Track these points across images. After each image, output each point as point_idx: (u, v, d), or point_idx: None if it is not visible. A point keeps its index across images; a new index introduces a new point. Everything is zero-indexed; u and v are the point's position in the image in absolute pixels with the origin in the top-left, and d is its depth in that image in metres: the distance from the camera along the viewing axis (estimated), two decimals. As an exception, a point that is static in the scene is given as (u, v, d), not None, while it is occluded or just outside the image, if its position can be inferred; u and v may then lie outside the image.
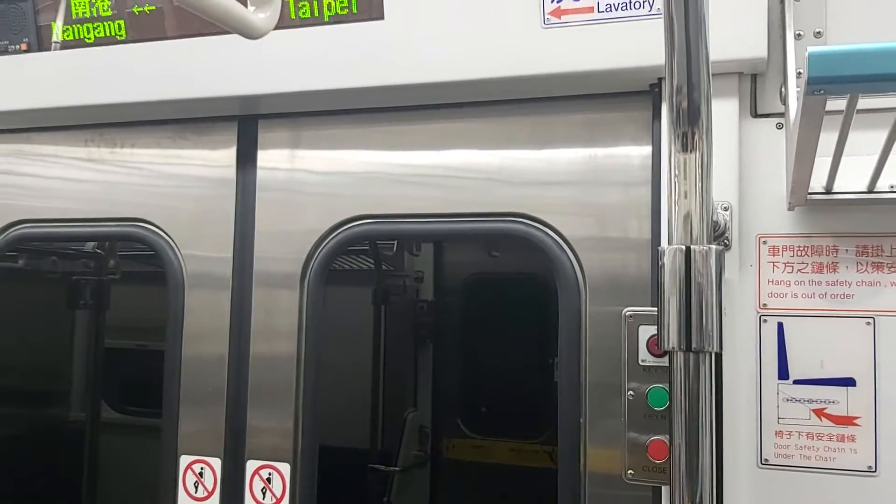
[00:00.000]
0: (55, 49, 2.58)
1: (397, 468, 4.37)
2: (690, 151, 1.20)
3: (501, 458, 4.54)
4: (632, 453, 1.94)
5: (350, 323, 4.46)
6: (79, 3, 2.50)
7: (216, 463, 2.45)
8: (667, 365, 1.82)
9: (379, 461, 4.35)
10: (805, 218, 1.99)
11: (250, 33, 1.59)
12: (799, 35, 2.00)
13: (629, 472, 1.95)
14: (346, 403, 4.42)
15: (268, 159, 2.53)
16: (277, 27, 2.07)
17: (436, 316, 4.75)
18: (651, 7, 2.02)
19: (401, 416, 4.57)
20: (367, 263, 4.49)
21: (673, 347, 1.20)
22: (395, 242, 4.50)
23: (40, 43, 2.58)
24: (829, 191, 1.89)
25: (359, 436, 4.45)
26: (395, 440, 4.47)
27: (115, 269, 4.21)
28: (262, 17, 1.61)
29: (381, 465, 4.33)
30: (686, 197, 1.21)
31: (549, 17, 2.10)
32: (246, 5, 1.61)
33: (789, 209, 1.99)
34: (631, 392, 1.93)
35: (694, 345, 1.19)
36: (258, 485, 2.41)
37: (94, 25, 2.50)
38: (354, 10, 2.25)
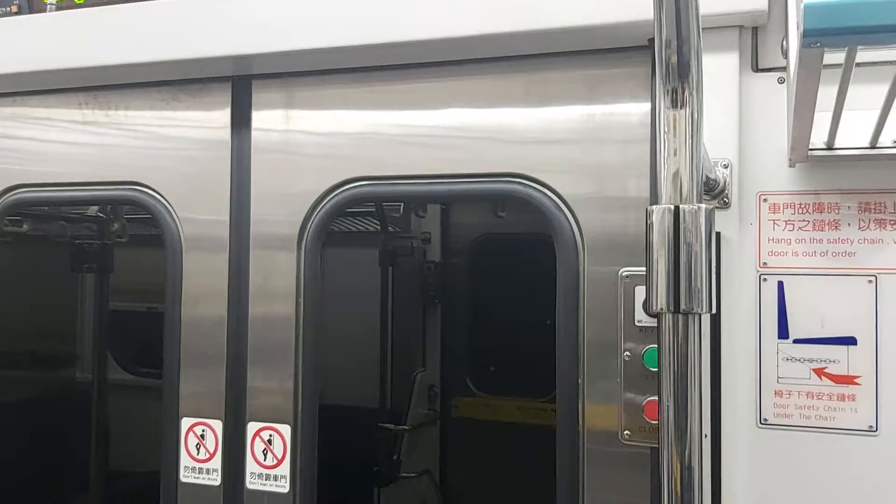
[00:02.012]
0: (50, 10, 2.56)
1: (406, 427, 4.40)
2: (680, 107, 1.16)
3: (509, 415, 4.54)
4: (628, 414, 1.93)
5: (357, 285, 4.47)
6: (68, -38, 2.46)
7: (217, 425, 2.47)
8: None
9: (388, 420, 4.37)
10: (806, 175, 1.95)
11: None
12: None
13: (626, 432, 1.94)
14: (355, 364, 4.45)
15: (262, 120, 2.50)
16: (268, -15, 2.03)
17: (443, 277, 4.73)
18: (649, -42, 1.95)
19: (409, 375, 4.59)
20: (373, 225, 4.48)
21: (661, 309, 1.18)
22: (402, 204, 4.46)
23: (31, 5, 2.54)
24: (830, 146, 1.85)
25: (368, 396, 4.47)
26: (404, 400, 4.50)
27: (122, 232, 4.21)
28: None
29: (391, 425, 4.35)
30: (676, 155, 1.18)
31: (544, -31, 2.05)
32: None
33: (790, 166, 1.95)
34: (627, 353, 1.92)
35: (682, 306, 1.16)
36: (259, 446, 2.42)
37: (85, -15, 2.46)
38: (346, -34, 2.20)
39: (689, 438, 1.20)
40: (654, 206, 1.18)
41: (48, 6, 2.60)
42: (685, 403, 1.19)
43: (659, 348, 1.19)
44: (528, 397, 4.48)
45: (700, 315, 1.18)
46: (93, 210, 4.07)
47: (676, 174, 1.18)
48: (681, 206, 1.16)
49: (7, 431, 3.28)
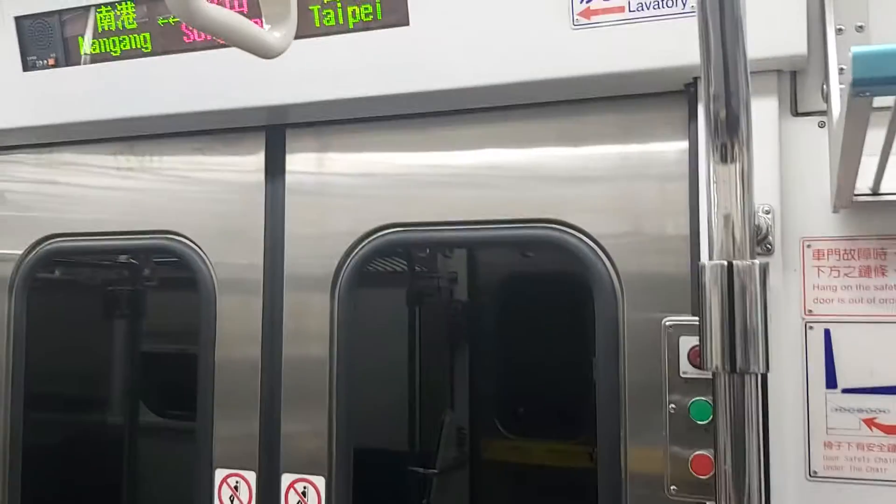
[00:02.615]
0: (85, 62, 2.59)
1: (436, 470, 4.32)
2: (730, 162, 1.14)
3: (540, 458, 4.47)
4: (675, 468, 1.88)
5: (384, 325, 4.44)
6: (105, 16, 2.49)
7: (251, 476, 2.44)
8: (709, 377, 1.76)
9: (417, 463, 4.30)
10: (851, 220, 1.91)
11: (266, 53, 1.56)
12: (840, 30, 1.92)
13: (672, 487, 1.89)
14: (383, 406, 4.41)
15: (296, 164, 2.51)
16: (302, 36, 2.04)
17: (470, 316, 4.70)
18: (684, 5, 1.95)
19: (438, 417, 4.52)
20: (400, 265, 4.47)
21: (717, 368, 1.14)
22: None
23: (67, 57, 2.58)
24: (875, 191, 1.81)
25: (397, 438, 4.42)
26: (433, 442, 4.43)
27: (152, 276, 4.23)
28: (277, 35, 1.57)
29: (420, 468, 4.28)
30: (726, 209, 1.15)
31: (578, 17, 2.05)
32: (262, 24, 1.57)
33: (834, 211, 1.91)
34: (672, 405, 1.87)
35: (739, 366, 1.13)
36: (293, 499, 2.39)
37: (121, 38, 2.49)
38: (379, 17, 2.21)
39: (748, 500, 1.16)
40: (706, 262, 1.16)
41: (84, 58, 2.63)
42: (743, 464, 1.15)
43: (715, 408, 1.15)
44: (558, 440, 4.42)
45: (757, 375, 1.15)
46: (124, 255, 4.09)
47: (728, 229, 1.15)
48: (734, 262, 1.14)
49: (38, 475, 3.28)
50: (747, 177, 1.15)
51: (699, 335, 1.15)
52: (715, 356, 1.15)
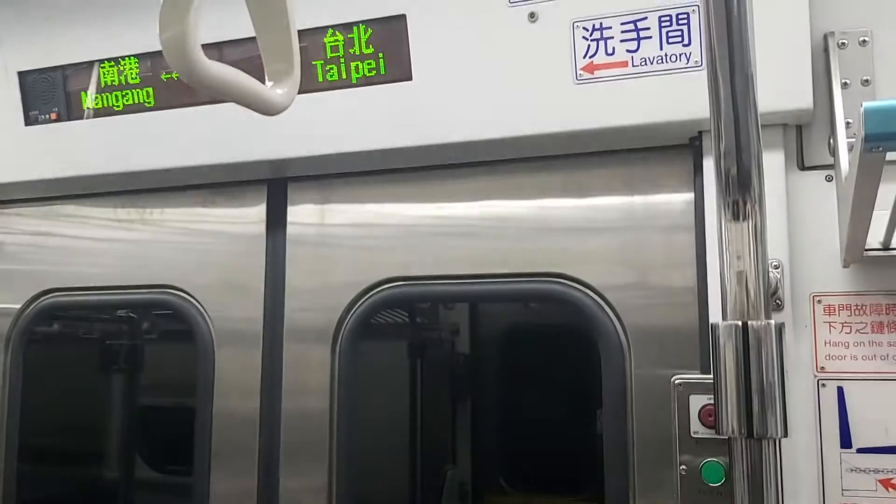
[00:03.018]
0: (88, 117, 2.59)
1: (438, 528, 4.25)
2: (743, 220, 1.11)
3: (543, 514, 4.36)
4: (688, 533, 1.82)
5: (385, 377, 4.40)
6: (107, 71, 2.50)
7: None
8: (722, 438, 1.71)
9: (420, 521, 4.22)
10: (861, 275, 1.88)
11: (269, 110, 1.55)
12: (846, 84, 1.91)
13: (684, 553, 1.83)
14: (383, 460, 4.34)
15: (298, 216, 2.49)
16: (306, 91, 2.03)
17: (473, 369, 4.63)
18: (688, 59, 1.95)
19: (440, 472, 4.44)
20: (401, 317, 4.44)
21: (733, 433, 1.10)
22: (430, 296, 4.43)
23: (69, 112, 2.58)
24: (886, 246, 1.79)
25: (398, 494, 4.33)
26: (434, 498, 4.34)
27: (150, 329, 4.19)
28: (280, 92, 1.56)
29: (423, 526, 4.21)
30: (739, 268, 1.12)
31: (581, 72, 2.04)
32: (263, 82, 1.56)
33: (844, 266, 1.88)
34: (683, 467, 1.82)
35: (756, 431, 1.08)
36: (293, 560, 2.32)
37: (123, 93, 2.49)
38: (382, 72, 2.21)
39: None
40: (720, 322, 1.12)
41: (86, 112, 2.63)
42: (762, 534, 1.10)
43: (732, 475, 1.11)
44: (563, 495, 4.34)
45: (776, 440, 1.10)
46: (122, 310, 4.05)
47: (742, 287, 1.12)
48: (749, 322, 1.10)
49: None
50: (760, 234, 1.13)
51: (714, 398, 1.11)
52: (731, 420, 1.10)
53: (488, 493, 4.58)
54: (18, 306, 2.78)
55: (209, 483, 2.44)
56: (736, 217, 1.11)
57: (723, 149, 1.13)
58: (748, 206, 1.11)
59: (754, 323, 1.10)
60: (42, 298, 2.76)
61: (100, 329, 4.04)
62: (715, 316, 1.86)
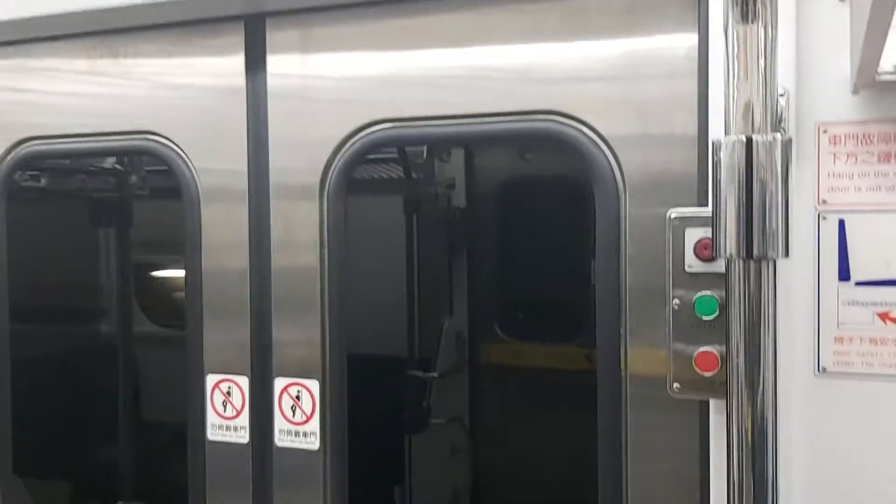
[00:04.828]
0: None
1: (435, 374, 4.33)
2: (752, 21, 1.01)
3: (538, 361, 4.52)
4: (678, 366, 1.80)
5: (382, 233, 4.38)
6: None
7: (243, 381, 2.39)
8: (716, 272, 1.67)
9: (417, 368, 4.32)
10: (871, 102, 1.78)
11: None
12: None
13: (675, 385, 1.82)
14: (383, 313, 4.38)
15: (278, 65, 2.36)
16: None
17: (469, 223, 4.66)
18: None
19: (437, 323, 4.51)
20: (396, 172, 4.38)
21: (731, 255, 1.04)
22: (425, 150, 4.34)
23: (31, -55, 2.39)
24: (901, 70, 1.68)
25: (396, 344, 4.41)
26: (432, 347, 4.44)
27: (142, 185, 4.12)
28: None
29: (420, 372, 4.29)
30: (747, 78, 1.03)
31: None
32: None
33: (854, 93, 1.78)
34: (676, 301, 1.78)
35: (756, 251, 1.02)
36: (287, 402, 2.34)
37: (84, -78, 2.30)
38: None
39: (762, 394, 1.08)
40: (722, 138, 1.04)
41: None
42: (758, 357, 1.07)
43: (727, 298, 1.05)
44: (556, 342, 4.42)
45: (775, 261, 1.05)
46: (109, 162, 3.97)
47: (748, 101, 1.03)
48: (754, 137, 1.02)
49: (36, 386, 3.25)
50: (771, 39, 1.02)
51: (712, 219, 1.04)
52: (729, 242, 1.04)
53: (485, 341, 4.68)
54: (-4, 155, 2.69)
55: (202, 337, 2.44)
56: (745, 17, 1.00)
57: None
58: (758, 4, 1.00)
59: (759, 138, 1.02)
60: (19, 147, 2.66)
61: (83, 183, 3.98)
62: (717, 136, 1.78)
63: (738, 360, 1.06)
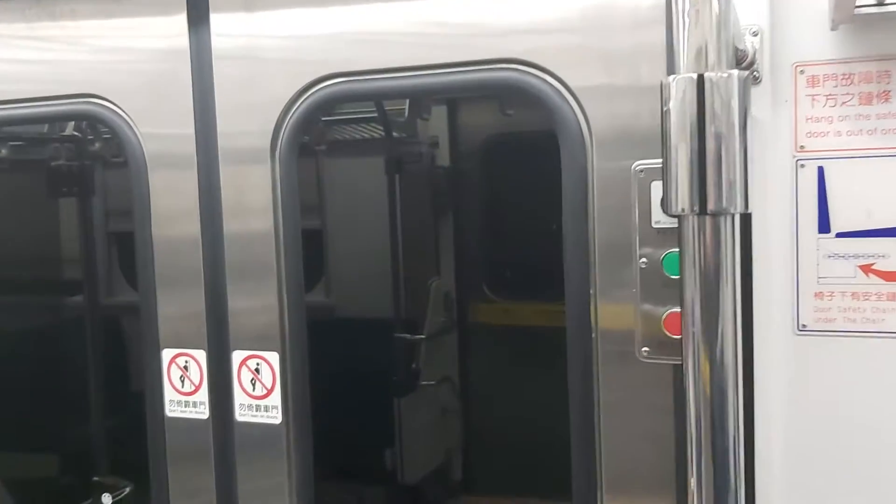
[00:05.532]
0: None
1: (423, 336, 4.28)
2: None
3: (526, 320, 4.48)
4: (646, 328, 1.70)
5: (365, 195, 4.32)
6: None
7: (200, 355, 2.29)
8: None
9: (405, 330, 4.26)
10: (851, 38, 1.65)
11: None
12: None
13: (644, 349, 1.71)
14: (368, 275, 4.37)
15: (222, 24, 2.22)
16: None
17: (453, 182, 4.59)
18: None
19: (424, 284, 4.45)
20: (378, 132, 4.28)
21: (683, 210, 0.92)
22: (407, 109, 4.23)
23: None
24: (881, 2, 1.54)
25: (383, 306, 4.34)
26: (420, 309, 4.38)
27: (105, 151, 3.98)
28: None
29: (408, 334, 4.24)
30: (698, 8, 0.89)
31: None
32: None
33: (832, 29, 1.65)
34: (644, 259, 1.67)
35: (711, 206, 0.90)
36: (247, 376, 2.24)
37: None
38: None
39: (721, 360, 0.97)
40: (670, 77, 0.91)
41: None
42: (715, 324, 0.95)
43: (681, 258, 0.94)
44: (544, 301, 4.35)
45: (733, 216, 0.92)
46: (68, 130, 3.84)
47: (700, 34, 0.90)
48: (706, 75, 0.88)
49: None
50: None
51: (662, 169, 0.92)
52: (681, 195, 0.92)
53: (473, 302, 4.62)
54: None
55: (156, 310, 2.33)
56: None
57: None
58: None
59: (712, 75, 0.89)
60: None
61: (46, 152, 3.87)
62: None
63: (694, 329, 0.95)
